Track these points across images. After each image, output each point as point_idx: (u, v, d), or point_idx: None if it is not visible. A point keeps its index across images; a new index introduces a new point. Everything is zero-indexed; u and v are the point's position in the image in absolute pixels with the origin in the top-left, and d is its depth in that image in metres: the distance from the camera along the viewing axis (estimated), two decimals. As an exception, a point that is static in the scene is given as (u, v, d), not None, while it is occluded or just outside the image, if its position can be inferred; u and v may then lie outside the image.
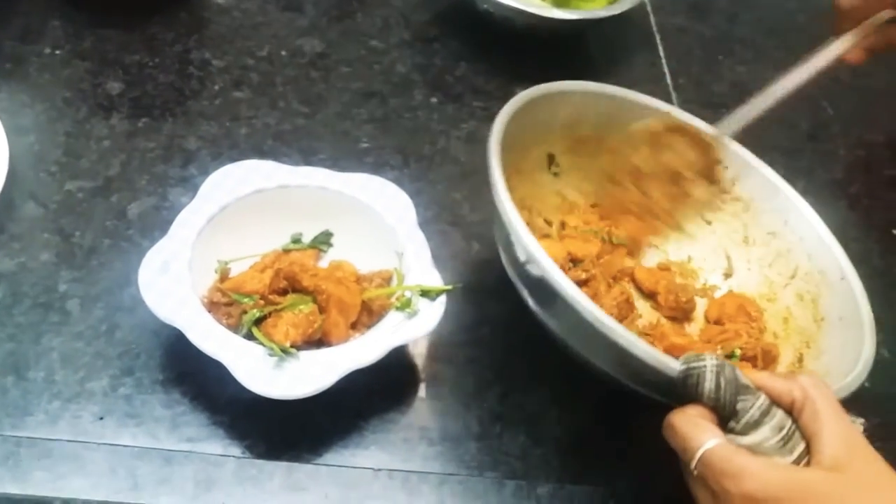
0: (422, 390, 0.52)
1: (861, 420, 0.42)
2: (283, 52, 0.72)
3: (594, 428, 0.51)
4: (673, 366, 0.41)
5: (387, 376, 0.50)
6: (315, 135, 0.66)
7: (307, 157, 0.64)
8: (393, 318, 0.49)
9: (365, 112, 0.68)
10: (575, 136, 0.60)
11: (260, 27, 0.74)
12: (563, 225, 0.61)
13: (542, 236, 0.60)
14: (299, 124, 0.66)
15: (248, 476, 0.46)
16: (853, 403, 0.43)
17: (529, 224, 0.57)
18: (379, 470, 0.47)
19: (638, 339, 0.42)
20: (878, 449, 0.39)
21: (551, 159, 0.60)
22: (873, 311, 0.52)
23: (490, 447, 0.49)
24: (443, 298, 0.50)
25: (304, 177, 0.55)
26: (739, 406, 0.39)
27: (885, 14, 0.57)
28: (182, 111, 0.65)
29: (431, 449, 0.49)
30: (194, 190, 0.53)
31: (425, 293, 0.50)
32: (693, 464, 0.38)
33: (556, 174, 0.61)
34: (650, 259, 0.61)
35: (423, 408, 0.51)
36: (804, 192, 0.64)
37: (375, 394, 0.50)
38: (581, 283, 0.56)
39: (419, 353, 0.54)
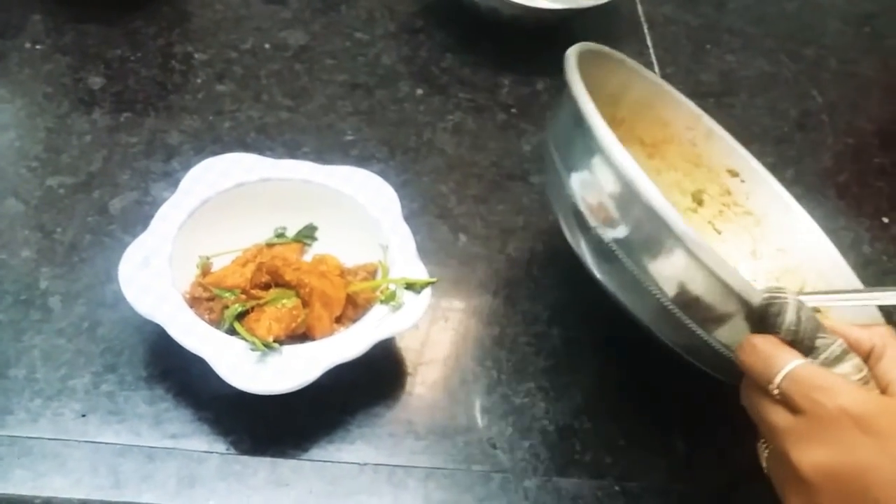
0: (408, 384, 0.51)
1: None
2: (267, 45, 0.71)
3: (582, 421, 0.51)
4: (755, 295, 0.39)
5: (372, 370, 0.49)
6: (299, 128, 0.65)
7: (291, 150, 0.63)
8: (378, 312, 0.49)
9: (350, 104, 0.68)
10: (612, 113, 0.58)
11: (243, 20, 0.73)
12: None
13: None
14: (283, 117, 0.65)
15: (232, 472, 0.45)
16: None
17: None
18: (364, 465, 0.47)
19: (722, 259, 0.39)
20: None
21: None
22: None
23: (477, 440, 0.49)
24: (428, 291, 0.49)
25: (287, 170, 0.54)
26: (819, 342, 0.38)
27: None
28: (164, 105, 0.64)
29: (418, 443, 0.48)
30: (177, 185, 0.52)
31: (410, 286, 0.49)
32: (777, 380, 0.36)
33: None
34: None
35: (409, 401, 0.51)
36: (793, 181, 0.64)
37: (361, 388, 0.50)
38: None
39: (405, 347, 0.53)
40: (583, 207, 0.45)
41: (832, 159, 0.73)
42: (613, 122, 0.59)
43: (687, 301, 0.41)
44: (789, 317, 0.38)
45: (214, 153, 0.55)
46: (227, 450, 0.46)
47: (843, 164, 0.73)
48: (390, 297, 0.49)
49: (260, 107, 0.66)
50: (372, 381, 0.50)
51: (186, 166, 0.54)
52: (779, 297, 0.39)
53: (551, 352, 0.54)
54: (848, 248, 0.56)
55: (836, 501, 0.34)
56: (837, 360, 0.38)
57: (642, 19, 0.83)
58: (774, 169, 0.61)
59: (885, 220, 0.68)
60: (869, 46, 0.87)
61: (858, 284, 0.54)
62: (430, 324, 0.54)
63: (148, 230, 0.49)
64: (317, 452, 0.47)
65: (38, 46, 0.67)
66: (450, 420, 0.50)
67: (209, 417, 0.47)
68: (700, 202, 0.61)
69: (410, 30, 0.76)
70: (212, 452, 0.46)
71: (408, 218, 0.53)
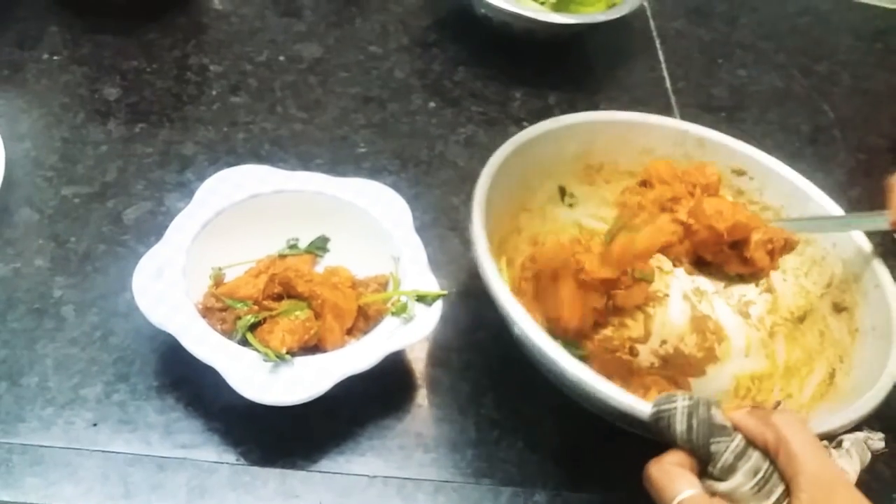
0: (418, 396, 0.51)
1: (880, 435, 0.41)
2: (282, 58, 0.72)
3: (591, 435, 0.51)
4: (643, 409, 0.41)
5: (383, 382, 0.49)
6: (313, 140, 0.66)
7: (305, 162, 0.63)
8: (389, 324, 0.49)
9: (363, 117, 0.68)
10: (586, 165, 0.59)
11: (258, 33, 0.73)
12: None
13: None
14: (297, 129, 0.66)
15: (242, 483, 0.45)
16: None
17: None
18: (374, 477, 0.47)
19: (610, 385, 0.42)
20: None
21: (563, 192, 0.60)
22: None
23: (487, 454, 0.49)
24: (439, 303, 0.49)
25: (301, 181, 0.54)
26: (713, 448, 0.39)
27: None
28: (179, 117, 0.65)
29: (427, 456, 0.48)
30: (191, 195, 0.52)
31: (421, 298, 0.49)
32: None
33: (571, 206, 0.60)
34: (680, 284, 0.60)
35: (419, 414, 0.51)
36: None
37: (371, 400, 0.50)
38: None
39: (416, 359, 0.53)
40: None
41: (844, 175, 0.73)
42: (590, 171, 0.60)
43: (601, 411, 0.45)
44: (679, 427, 0.39)
45: (229, 164, 0.55)
46: (238, 460, 0.46)
47: (855, 180, 0.73)
48: (402, 309, 0.49)
49: (274, 119, 0.66)
50: (382, 393, 0.50)
51: (201, 177, 0.54)
52: (665, 410, 0.40)
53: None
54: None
55: None
56: (731, 468, 0.38)
57: (654, 34, 0.83)
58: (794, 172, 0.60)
59: (898, 235, 0.68)
60: (881, 62, 0.87)
61: (885, 274, 0.52)
62: (440, 336, 0.54)
63: (162, 241, 0.50)
64: (327, 464, 0.47)
65: (55, 57, 0.68)
66: (459, 433, 0.50)
67: (220, 428, 0.47)
68: None
69: (423, 43, 0.76)
70: (222, 463, 0.46)
71: (419, 230, 0.53)
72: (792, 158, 0.63)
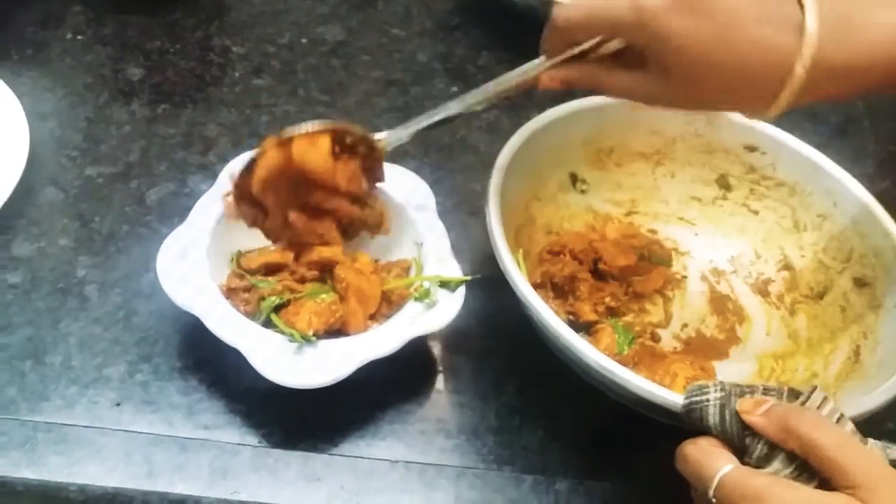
0: (439, 382, 0.51)
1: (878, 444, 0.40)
2: (304, 40, 0.71)
3: (614, 423, 0.50)
4: (675, 400, 0.41)
5: (404, 367, 0.49)
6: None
7: (327, 145, 0.63)
8: (411, 309, 0.48)
9: (385, 101, 0.68)
10: (596, 150, 0.59)
11: (281, 14, 0.73)
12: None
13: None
14: (319, 112, 0.66)
15: (264, 465, 0.45)
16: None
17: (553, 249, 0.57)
18: (396, 462, 0.47)
19: (640, 378, 0.42)
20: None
21: (574, 178, 0.59)
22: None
23: (508, 441, 0.49)
24: (462, 289, 0.49)
25: (324, 165, 0.54)
26: (748, 441, 0.38)
27: (614, 45, 0.44)
28: (202, 98, 0.65)
29: (449, 441, 0.48)
30: (214, 177, 0.52)
31: (444, 284, 0.49)
32: (711, 491, 0.37)
33: (583, 192, 0.59)
34: (697, 265, 0.59)
35: (440, 400, 0.50)
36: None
37: (393, 385, 0.49)
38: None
39: (437, 345, 0.53)
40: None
41: (874, 166, 0.72)
42: (601, 154, 0.59)
43: (626, 400, 0.45)
44: (712, 420, 0.39)
45: (251, 146, 0.54)
46: (260, 442, 0.46)
47: (885, 172, 0.71)
48: (424, 295, 0.49)
49: (296, 101, 0.66)
50: (404, 378, 0.50)
51: (223, 159, 0.54)
52: (697, 402, 0.39)
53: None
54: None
55: None
56: (767, 458, 0.37)
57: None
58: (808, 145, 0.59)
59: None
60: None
61: None
62: (463, 322, 0.54)
63: (186, 222, 0.50)
64: (348, 448, 0.47)
65: (78, 37, 0.67)
66: (481, 419, 0.50)
67: (242, 410, 0.47)
68: (727, 187, 0.59)
69: (447, 27, 0.75)
70: (244, 445, 0.46)
71: (441, 215, 0.53)
72: (820, 149, 0.62)
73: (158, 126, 0.62)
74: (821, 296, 0.55)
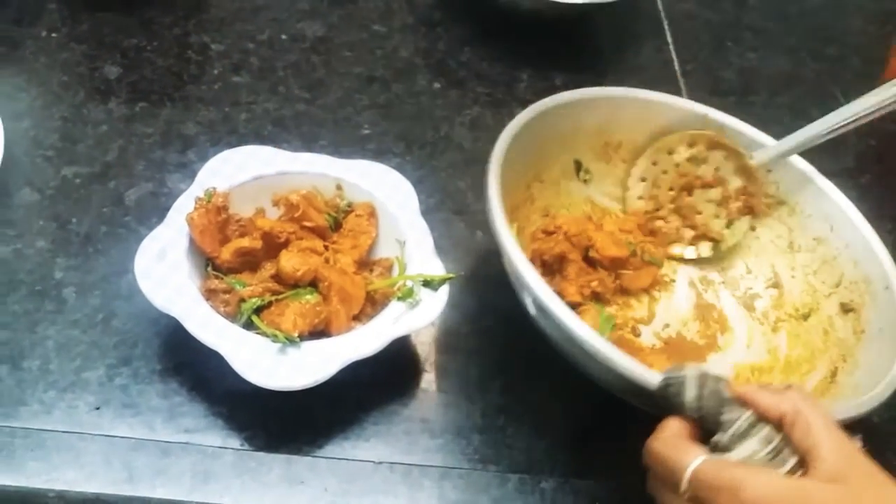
0: (424, 382, 0.51)
1: (858, 436, 0.41)
2: (284, 37, 0.70)
3: (600, 421, 0.50)
4: (652, 378, 0.40)
5: (389, 367, 0.49)
6: (316, 120, 0.65)
7: (308, 143, 0.63)
8: (395, 308, 0.48)
9: (367, 98, 0.67)
10: (604, 142, 0.58)
11: (260, 11, 0.72)
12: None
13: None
14: (300, 110, 0.65)
15: (247, 468, 0.45)
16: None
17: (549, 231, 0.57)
18: (379, 463, 0.46)
19: (619, 352, 0.42)
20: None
21: (579, 166, 0.59)
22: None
23: (493, 440, 0.49)
24: (445, 288, 0.49)
25: (304, 163, 0.54)
26: (724, 417, 0.38)
27: None
28: (181, 96, 0.64)
29: (433, 441, 0.48)
30: (193, 176, 0.52)
31: (427, 283, 0.49)
32: (683, 486, 0.37)
33: (585, 181, 0.59)
34: (687, 272, 0.59)
35: (425, 399, 0.50)
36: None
37: (377, 385, 0.49)
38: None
39: (422, 344, 0.53)
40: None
41: (855, 160, 0.72)
42: (609, 148, 0.59)
43: (606, 381, 0.45)
44: (689, 394, 0.39)
45: (230, 145, 0.54)
46: (242, 445, 0.46)
47: (865, 166, 0.72)
48: (407, 294, 0.48)
49: (277, 99, 0.65)
50: (388, 378, 0.50)
51: (202, 158, 0.53)
52: (676, 378, 0.39)
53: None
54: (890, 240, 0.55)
55: None
56: (744, 435, 0.37)
57: (662, 15, 0.82)
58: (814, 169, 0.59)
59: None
60: (891, 45, 0.86)
61: (895, 272, 0.52)
62: (447, 321, 0.54)
63: (164, 222, 0.49)
64: (332, 449, 0.46)
65: (53, 35, 0.66)
66: (466, 419, 0.49)
67: (224, 412, 0.47)
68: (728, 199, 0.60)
69: (429, 23, 0.75)
70: (226, 448, 0.46)
71: (424, 213, 0.53)
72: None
73: (136, 125, 0.61)
74: (805, 317, 0.55)
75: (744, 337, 0.56)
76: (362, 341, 0.46)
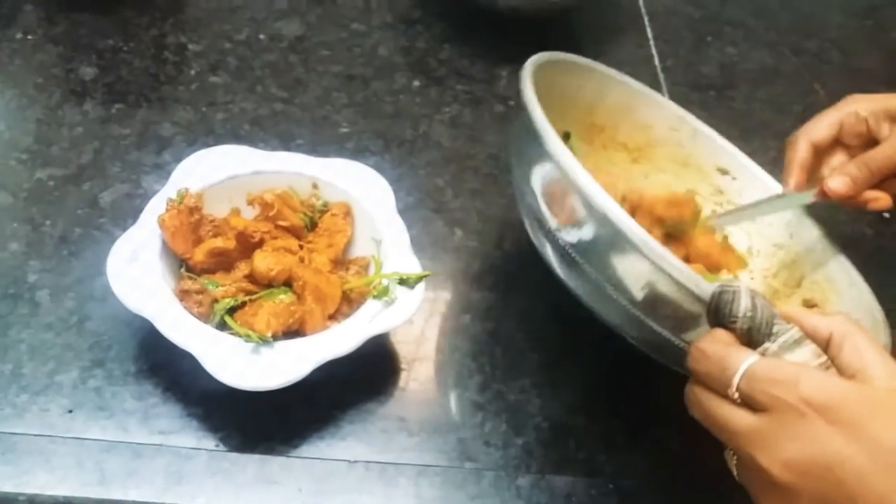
0: (401, 380, 0.51)
1: None
2: (262, 36, 0.70)
3: (576, 418, 0.50)
4: (707, 287, 0.38)
5: (365, 366, 0.48)
6: (294, 120, 0.64)
7: (286, 142, 0.62)
8: (371, 307, 0.48)
9: (345, 96, 0.67)
10: (591, 121, 0.58)
11: (237, 10, 0.72)
12: None
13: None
14: (278, 109, 0.65)
15: (221, 469, 0.45)
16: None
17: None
18: (355, 462, 0.46)
19: (676, 259, 0.40)
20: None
21: (567, 138, 0.58)
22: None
23: (470, 437, 0.48)
24: (421, 286, 0.48)
25: (280, 162, 0.53)
26: (776, 328, 0.36)
27: None
28: (157, 97, 0.64)
29: (410, 439, 0.48)
30: (168, 177, 0.51)
31: (403, 281, 0.49)
32: (734, 384, 0.34)
33: None
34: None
35: (402, 398, 0.50)
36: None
37: (353, 384, 0.49)
38: None
39: (399, 342, 0.52)
40: (542, 212, 0.46)
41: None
42: (593, 130, 0.59)
43: (646, 302, 0.42)
44: (744, 303, 0.36)
45: (207, 145, 0.54)
46: (216, 446, 0.46)
47: (845, 159, 0.72)
48: (383, 292, 0.48)
49: (254, 98, 0.65)
50: (364, 377, 0.49)
51: (179, 158, 0.53)
52: (731, 286, 0.37)
53: (547, 348, 0.53)
54: (850, 243, 0.55)
55: (815, 499, 0.32)
56: (796, 343, 0.36)
57: (643, 10, 0.82)
58: (776, 163, 0.59)
59: (887, 215, 0.67)
60: (871, 40, 0.86)
61: (858, 276, 0.53)
62: (424, 319, 0.53)
63: (137, 224, 0.49)
64: (307, 449, 0.46)
65: (29, 37, 0.66)
66: (443, 416, 0.49)
67: (198, 413, 0.47)
68: None
69: (408, 20, 0.75)
70: (200, 449, 0.45)
71: (403, 212, 0.53)
72: (781, 137, 0.62)
73: (112, 126, 0.61)
74: None
75: None
76: (337, 340, 0.46)
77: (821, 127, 0.54)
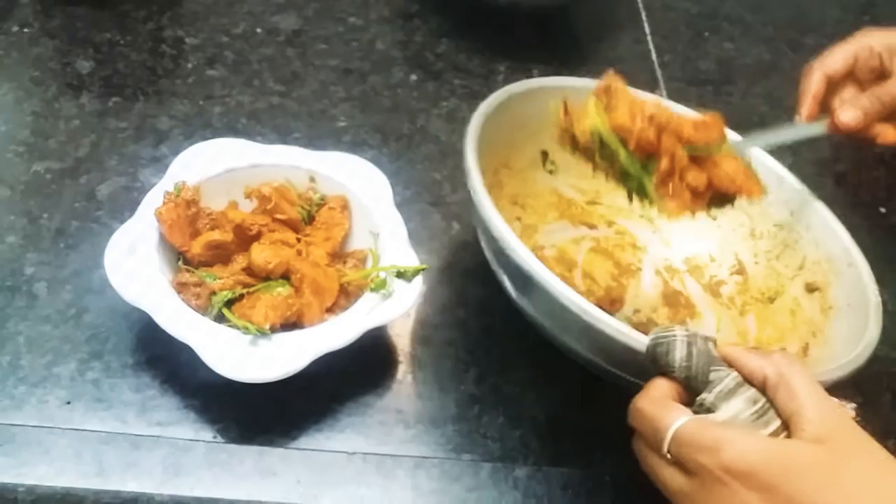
0: (399, 373, 0.51)
1: (852, 405, 0.41)
2: (259, 30, 0.70)
3: (572, 409, 0.50)
4: (642, 340, 0.40)
5: (363, 359, 0.49)
6: (291, 113, 0.64)
7: (283, 136, 0.62)
8: (368, 300, 0.48)
9: (342, 90, 0.67)
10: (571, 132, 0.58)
11: (235, 4, 0.72)
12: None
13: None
14: (275, 103, 0.65)
15: (218, 461, 0.45)
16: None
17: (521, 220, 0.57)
18: (353, 454, 0.46)
19: (607, 316, 0.41)
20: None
21: (545, 157, 0.59)
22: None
23: (467, 429, 0.49)
24: (419, 279, 0.49)
25: (277, 155, 0.53)
26: (713, 376, 0.38)
27: None
28: (154, 90, 0.64)
29: (408, 432, 0.48)
30: (166, 170, 0.51)
31: (401, 274, 0.49)
32: (665, 445, 0.36)
33: (551, 172, 0.59)
34: (652, 260, 0.60)
35: (399, 390, 0.50)
36: (790, 170, 0.63)
37: (351, 376, 0.49)
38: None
39: (396, 335, 0.52)
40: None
41: (830, 149, 0.73)
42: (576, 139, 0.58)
43: (590, 350, 0.45)
44: (679, 353, 0.38)
45: (204, 139, 0.54)
46: (214, 438, 0.46)
47: (841, 154, 0.72)
48: (381, 285, 0.48)
49: (251, 92, 0.65)
50: (362, 370, 0.50)
51: (176, 152, 0.53)
52: (664, 337, 0.39)
53: (543, 341, 0.53)
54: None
55: None
56: (731, 393, 0.37)
57: (640, 6, 0.82)
58: (774, 156, 0.60)
59: (883, 209, 0.68)
60: (869, 35, 0.86)
61: (858, 253, 0.52)
62: (421, 312, 0.54)
63: (135, 216, 0.49)
64: (305, 441, 0.46)
65: (25, 30, 0.66)
66: (440, 409, 0.49)
67: (196, 405, 0.47)
68: None
69: (405, 15, 0.75)
70: (198, 441, 0.45)
71: (400, 205, 0.53)
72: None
73: (109, 119, 0.61)
74: (771, 300, 0.56)
75: (713, 321, 0.57)
76: (335, 333, 0.46)
77: (836, 59, 0.55)
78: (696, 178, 0.48)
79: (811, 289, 0.54)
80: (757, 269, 0.57)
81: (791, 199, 0.57)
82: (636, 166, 0.47)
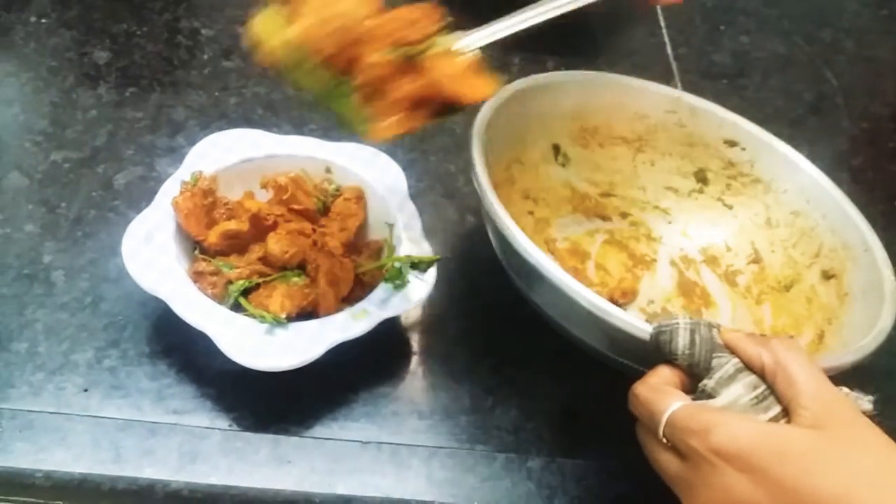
0: (413, 363, 0.51)
1: (870, 398, 0.41)
2: (274, 21, 0.70)
3: (587, 401, 0.50)
4: (647, 329, 0.40)
5: (377, 349, 0.49)
6: (307, 105, 0.64)
7: (298, 126, 0.62)
8: (383, 291, 0.48)
9: (357, 81, 0.67)
10: (582, 126, 0.59)
11: (250, -5, 0.72)
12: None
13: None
14: (290, 93, 0.65)
15: (234, 448, 0.45)
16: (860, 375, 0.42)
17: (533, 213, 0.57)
18: (367, 443, 0.46)
19: (612, 306, 0.42)
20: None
21: (557, 150, 0.59)
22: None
23: (481, 420, 0.49)
24: (433, 270, 0.49)
25: (293, 146, 0.54)
26: (714, 362, 0.38)
27: None
28: (170, 81, 0.64)
29: (422, 422, 0.48)
30: (182, 160, 0.52)
31: (415, 265, 0.49)
32: (661, 429, 0.37)
33: (563, 165, 0.59)
34: (668, 251, 0.60)
35: (413, 381, 0.50)
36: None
37: (366, 367, 0.49)
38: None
39: (410, 326, 0.53)
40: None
41: (847, 143, 0.72)
42: (585, 133, 0.59)
43: (596, 340, 0.45)
44: (682, 341, 0.38)
45: (220, 129, 0.54)
46: (230, 426, 0.46)
47: (857, 149, 0.72)
48: (395, 276, 0.48)
49: (266, 83, 0.65)
50: (376, 360, 0.50)
51: (192, 142, 0.53)
52: (668, 325, 0.39)
53: (556, 333, 0.53)
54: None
55: None
56: (731, 378, 0.37)
57: (655, -1, 0.82)
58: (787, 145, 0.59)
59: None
60: (886, 30, 0.85)
61: (874, 238, 0.52)
62: (435, 303, 0.54)
63: (152, 205, 0.49)
64: (320, 430, 0.47)
65: (43, 20, 0.66)
66: (454, 400, 0.49)
67: (212, 394, 0.47)
68: (705, 181, 0.60)
69: (417, 3, 0.74)
70: (214, 429, 0.46)
71: (415, 197, 0.53)
72: (793, 126, 0.62)
73: (125, 110, 0.61)
74: (787, 288, 0.56)
75: (728, 311, 0.57)
76: (350, 323, 0.46)
77: None
78: (400, 88, 0.40)
79: (828, 276, 0.53)
80: (773, 258, 0.57)
81: (806, 187, 0.56)
82: (327, 83, 0.40)
